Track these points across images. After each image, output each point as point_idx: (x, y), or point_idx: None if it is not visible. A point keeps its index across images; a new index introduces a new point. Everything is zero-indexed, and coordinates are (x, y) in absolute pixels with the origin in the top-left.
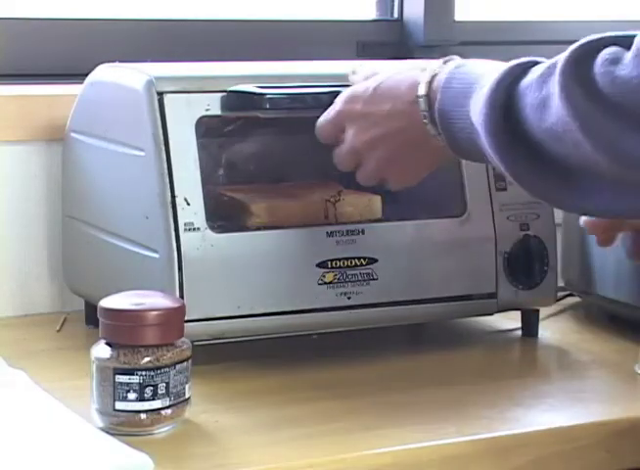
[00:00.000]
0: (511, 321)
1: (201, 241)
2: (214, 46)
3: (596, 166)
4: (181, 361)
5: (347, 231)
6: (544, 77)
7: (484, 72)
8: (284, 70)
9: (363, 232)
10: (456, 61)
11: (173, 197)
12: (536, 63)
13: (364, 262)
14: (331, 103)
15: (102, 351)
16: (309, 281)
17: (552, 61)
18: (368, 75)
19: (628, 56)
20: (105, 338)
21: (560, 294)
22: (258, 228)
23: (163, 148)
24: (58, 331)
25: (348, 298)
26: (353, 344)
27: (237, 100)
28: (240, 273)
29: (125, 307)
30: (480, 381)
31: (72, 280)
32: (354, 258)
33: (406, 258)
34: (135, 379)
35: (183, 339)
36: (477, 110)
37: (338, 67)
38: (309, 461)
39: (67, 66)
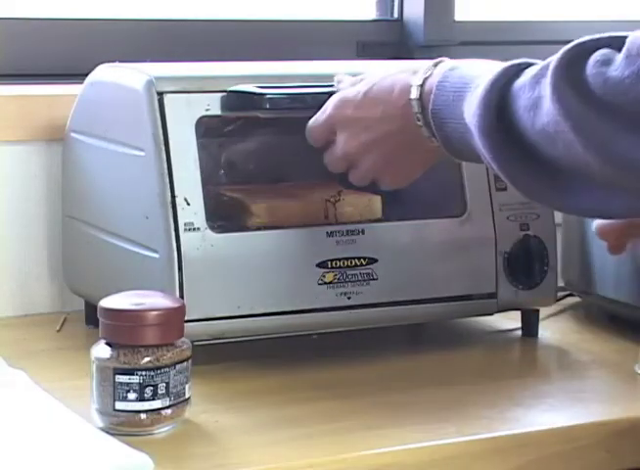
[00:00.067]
0: (511, 321)
1: (201, 241)
2: (214, 46)
3: (587, 168)
4: (181, 361)
5: (347, 231)
6: (537, 79)
7: (478, 74)
8: (284, 70)
9: (363, 232)
10: (448, 62)
11: (173, 197)
12: (530, 64)
13: (364, 262)
14: None
15: (102, 351)
16: (309, 281)
17: (545, 62)
18: (355, 81)
19: (619, 57)
20: (105, 338)
21: (560, 294)
22: (258, 228)
23: (163, 148)
24: (58, 331)
25: (348, 298)
26: (353, 344)
27: (237, 100)
28: (240, 273)
29: (125, 307)
30: (479, 381)
31: (72, 280)
32: (354, 258)
33: (406, 258)
34: (135, 379)
35: (183, 339)
36: (471, 111)
37: (337, 67)
38: (309, 461)
39: (67, 66)
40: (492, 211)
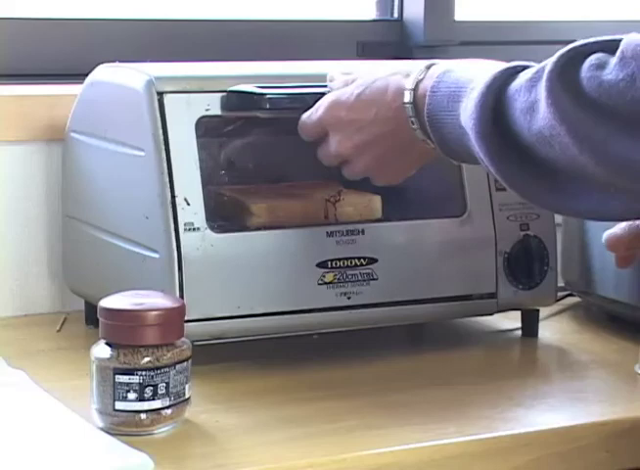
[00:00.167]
0: (511, 321)
1: (201, 241)
2: (214, 46)
3: (583, 170)
4: (181, 361)
5: (347, 231)
6: (532, 82)
7: (472, 77)
8: (284, 71)
9: (363, 232)
10: (440, 65)
11: (173, 197)
12: (525, 66)
13: (364, 262)
14: None
15: (102, 351)
16: (309, 281)
17: (540, 65)
18: (347, 81)
19: (614, 60)
20: (105, 338)
21: (560, 294)
22: (258, 228)
23: (163, 148)
24: (58, 331)
25: (348, 298)
26: (353, 344)
27: (237, 100)
28: (240, 273)
29: (125, 307)
30: (480, 381)
31: (72, 280)
32: (354, 258)
33: (406, 258)
34: (135, 379)
35: (183, 339)
36: (467, 114)
37: (338, 67)
38: (309, 461)
39: (67, 66)
40: (492, 212)
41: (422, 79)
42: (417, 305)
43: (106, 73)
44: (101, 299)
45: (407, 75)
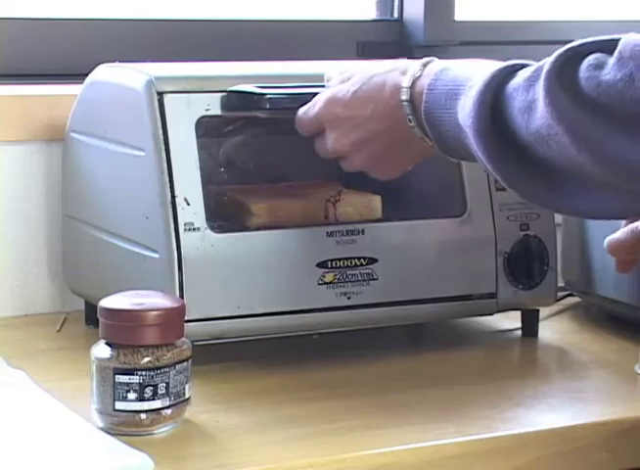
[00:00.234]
0: (511, 321)
1: (201, 241)
2: (214, 46)
3: (581, 169)
4: (181, 361)
5: (347, 231)
6: (530, 81)
7: (470, 75)
8: (284, 71)
9: (363, 232)
10: (437, 63)
11: (173, 197)
12: (523, 65)
13: (364, 262)
14: None
15: (102, 351)
16: (309, 281)
17: (538, 65)
18: (344, 78)
19: (612, 60)
20: (105, 338)
21: (560, 294)
22: (259, 228)
23: (163, 148)
24: (58, 331)
25: (348, 298)
26: (353, 344)
27: (237, 100)
28: (240, 273)
29: (125, 307)
30: (480, 381)
31: (72, 280)
32: (354, 258)
33: (406, 258)
34: (135, 379)
35: (183, 339)
36: (465, 112)
37: (338, 67)
38: (309, 461)
39: (67, 66)
40: (492, 212)
41: (419, 77)
42: (417, 305)
43: (106, 73)
44: (101, 299)
45: (404, 72)
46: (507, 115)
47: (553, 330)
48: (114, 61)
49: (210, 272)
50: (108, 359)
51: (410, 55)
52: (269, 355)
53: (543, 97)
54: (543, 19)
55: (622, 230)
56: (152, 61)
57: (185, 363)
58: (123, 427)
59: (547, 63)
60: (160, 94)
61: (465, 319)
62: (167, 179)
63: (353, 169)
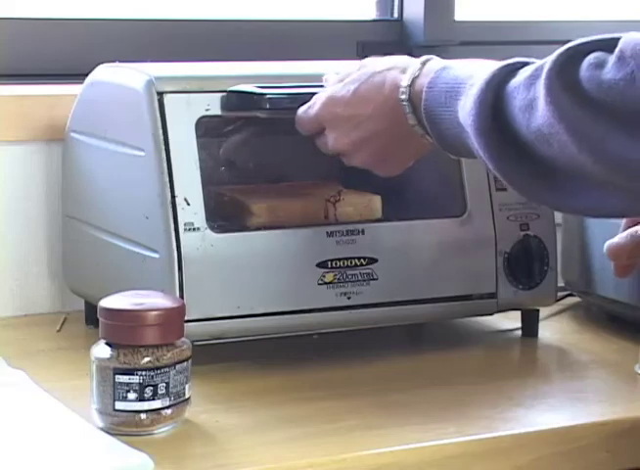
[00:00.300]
0: (511, 321)
1: (201, 241)
2: (214, 46)
3: (582, 168)
4: (181, 361)
5: (347, 231)
6: (531, 80)
7: (471, 74)
8: (284, 70)
9: (363, 232)
10: (436, 62)
11: (173, 197)
12: (524, 63)
13: (364, 263)
14: None
15: (102, 351)
16: (309, 281)
17: (539, 63)
18: (342, 76)
19: (612, 59)
20: (105, 338)
21: (560, 294)
22: (259, 228)
23: (163, 148)
24: (58, 331)
25: (348, 298)
26: (353, 344)
27: (237, 100)
28: (240, 273)
29: (125, 307)
30: (480, 381)
31: (72, 280)
32: (354, 258)
33: (406, 258)
34: (135, 379)
35: (183, 339)
36: (465, 110)
37: (337, 67)
38: (309, 461)
39: (67, 66)
40: (492, 212)
41: (418, 76)
42: (417, 305)
43: (106, 73)
44: (101, 299)
45: (404, 71)
46: (508, 113)
47: (553, 330)
48: (114, 61)
49: (210, 272)
50: (108, 359)
51: (410, 55)
52: (269, 355)
53: (544, 96)
54: (543, 19)
55: (621, 235)
56: (152, 61)
57: (185, 363)
58: (123, 427)
59: (548, 61)
60: (161, 94)
61: (465, 319)
62: (167, 179)
63: (355, 165)
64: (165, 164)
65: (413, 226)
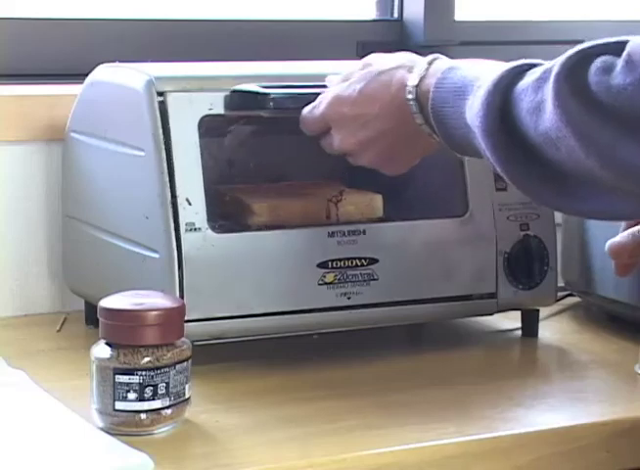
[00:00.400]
0: (511, 321)
1: (202, 241)
2: (214, 46)
3: (590, 173)
4: (181, 361)
5: (349, 231)
6: (539, 83)
7: (478, 75)
8: (284, 70)
9: (364, 232)
10: (444, 61)
11: (175, 197)
12: (532, 65)
13: (365, 263)
14: None
15: (102, 351)
16: (310, 281)
17: (547, 66)
18: (347, 75)
19: (620, 64)
20: (105, 338)
21: (560, 294)
22: (260, 227)
23: (163, 148)
24: (58, 331)
25: (348, 298)
26: (353, 344)
27: (240, 99)
28: (240, 273)
29: (125, 307)
30: (480, 381)
31: (72, 280)
32: (355, 259)
33: (407, 258)
34: (135, 379)
35: (183, 339)
36: (473, 112)
37: (338, 67)
38: (309, 461)
39: (67, 66)
40: (492, 212)
41: (425, 75)
42: (417, 305)
43: (106, 73)
44: (101, 299)
45: (410, 70)
46: (515, 115)
47: (553, 330)
48: (114, 61)
49: (211, 272)
50: (108, 359)
51: None
52: (269, 355)
53: (552, 99)
54: (543, 19)
55: (623, 234)
56: (152, 61)
57: (185, 363)
58: (123, 427)
59: (556, 65)
60: (162, 94)
61: (465, 319)
62: (167, 179)
63: (361, 165)
64: (166, 164)
65: (415, 226)
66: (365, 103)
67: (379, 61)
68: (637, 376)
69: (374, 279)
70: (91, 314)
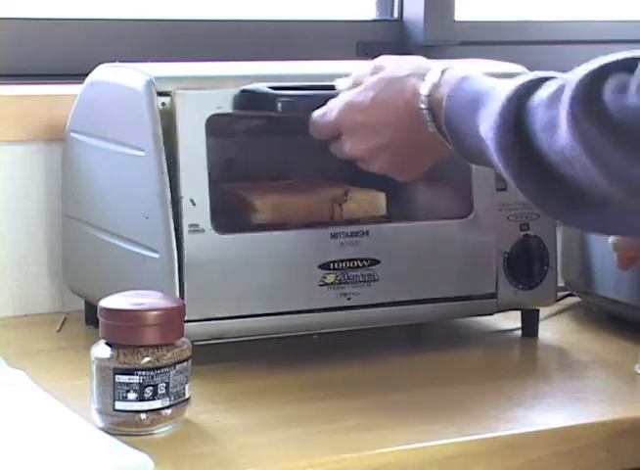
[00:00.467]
0: (511, 321)
1: (204, 242)
2: (214, 46)
3: (605, 192)
4: (181, 361)
5: (352, 233)
6: (552, 100)
7: (493, 86)
8: (285, 70)
9: (367, 233)
10: (457, 69)
11: (178, 198)
12: (545, 78)
13: (366, 264)
14: None
15: (102, 351)
16: (310, 282)
17: (561, 82)
18: (357, 80)
19: (635, 82)
20: (105, 338)
21: (560, 294)
22: (262, 225)
23: (163, 148)
24: (58, 331)
25: (348, 298)
26: (353, 344)
27: (248, 100)
28: (240, 273)
29: (125, 307)
30: (480, 381)
31: (72, 280)
32: (356, 260)
33: (409, 259)
34: (135, 379)
35: (183, 339)
36: (487, 125)
37: (337, 67)
38: (309, 461)
39: (67, 66)
40: (494, 212)
41: (438, 85)
42: (417, 306)
43: (106, 73)
44: (101, 299)
45: (422, 78)
46: (530, 130)
47: (553, 330)
48: (114, 61)
49: (211, 272)
50: (108, 359)
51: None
52: (269, 355)
53: (567, 119)
54: (543, 19)
55: None
56: (152, 61)
57: (185, 363)
58: (123, 427)
59: (569, 84)
60: (169, 93)
61: (465, 319)
62: (168, 179)
63: (372, 171)
64: (165, 164)
65: (419, 228)
66: (378, 110)
67: (390, 66)
68: (637, 376)
69: (374, 280)
70: (91, 314)
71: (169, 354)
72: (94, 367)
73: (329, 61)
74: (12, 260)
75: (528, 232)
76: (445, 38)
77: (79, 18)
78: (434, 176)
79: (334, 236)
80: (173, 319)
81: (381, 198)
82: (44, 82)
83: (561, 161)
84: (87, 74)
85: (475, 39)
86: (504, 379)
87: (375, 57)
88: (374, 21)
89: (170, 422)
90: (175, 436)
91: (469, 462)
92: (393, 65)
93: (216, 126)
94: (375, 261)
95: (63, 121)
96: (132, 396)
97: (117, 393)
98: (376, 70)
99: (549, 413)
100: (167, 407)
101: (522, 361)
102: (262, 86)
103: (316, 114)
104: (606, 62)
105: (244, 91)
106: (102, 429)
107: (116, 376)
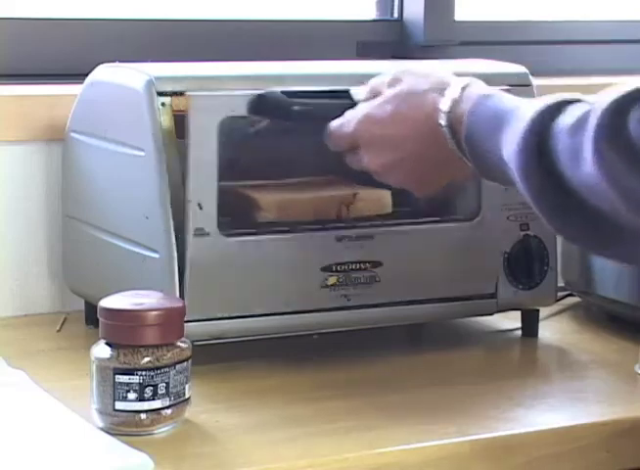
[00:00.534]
0: (511, 321)
1: (209, 246)
2: (214, 46)
3: (631, 223)
4: (181, 361)
5: (357, 236)
6: (577, 127)
7: (517, 105)
8: (285, 71)
9: (372, 237)
10: (478, 87)
11: (186, 201)
12: (569, 101)
13: (369, 266)
14: None
15: (102, 351)
16: (312, 284)
17: (586, 107)
18: (375, 91)
19: None
20: (105, 338)
21: (560, 294)
22: (268, 225)
23: (163, 148)
24: (58, 331)
25: (348, 299)
26: (353, 344)
27: (262, 105)
28: (241, 275)
29: (125, 307)
30: (480, 381)
31: (72, 280)
32: (359, 262)
33: (412, 261)
34: (135, 379)
35: (183, 339)
36: (510, 147)
37: (337, 67)
38: (310, 461)
39: (67, 66)
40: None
41: (459, 101)
42: (417, 306)
43: (106, 73)
44: (101, 299)
45: (442, 93)
46: (553, 155)
47: (553, 330)
48: (114, 61)
49: (211, 272)
50: (108, 359)
51: (410, 55)
52: (269, 355)
53: (592, 150)
54: (543, 19)
55: None
56: (152, 61)
57: (185, 363)
58: (123, 427)
59: (596, 110)
60: (182, 94)
61: (465, 319)
62: (168, 179)
63: (389, 184)
64: (165, 164)
65: (425, 231)
66: (396, 124)
67: (408, 79)
68: (637, 376)
69: (376, 281)
70: (91, 314)
71: (169, 354)
72: (94, 367)
73: (329, 61)
74: (12, 260)
75: (528, 232)
76: (445, 38)
77: (79, 18)
78: None
79: (339, 239)
80: (173, 319)
81: (387, 196)
82: (44, 82)
83: (585, 187)
84: (87, 74)
85: (475, 39)
86: (504, 379)
87: (375, 57)
88: (374, 21)
89: (170, 422)
90: (175, 436)
91: (469, 462)
92: (412, 78)
93: (228, 130)
94: (378, 264)
95: (63, 121)
96: (132, 396)
97: (117, 393)
98: (394, 83)
99: (549, 413)
100: (167, 407)
101: (522, 361)
102: (277, 91)
103: (333, 125)
104: (631, 89)
105: (258, 96)
106: (102, 429)
107: (116, 376)
